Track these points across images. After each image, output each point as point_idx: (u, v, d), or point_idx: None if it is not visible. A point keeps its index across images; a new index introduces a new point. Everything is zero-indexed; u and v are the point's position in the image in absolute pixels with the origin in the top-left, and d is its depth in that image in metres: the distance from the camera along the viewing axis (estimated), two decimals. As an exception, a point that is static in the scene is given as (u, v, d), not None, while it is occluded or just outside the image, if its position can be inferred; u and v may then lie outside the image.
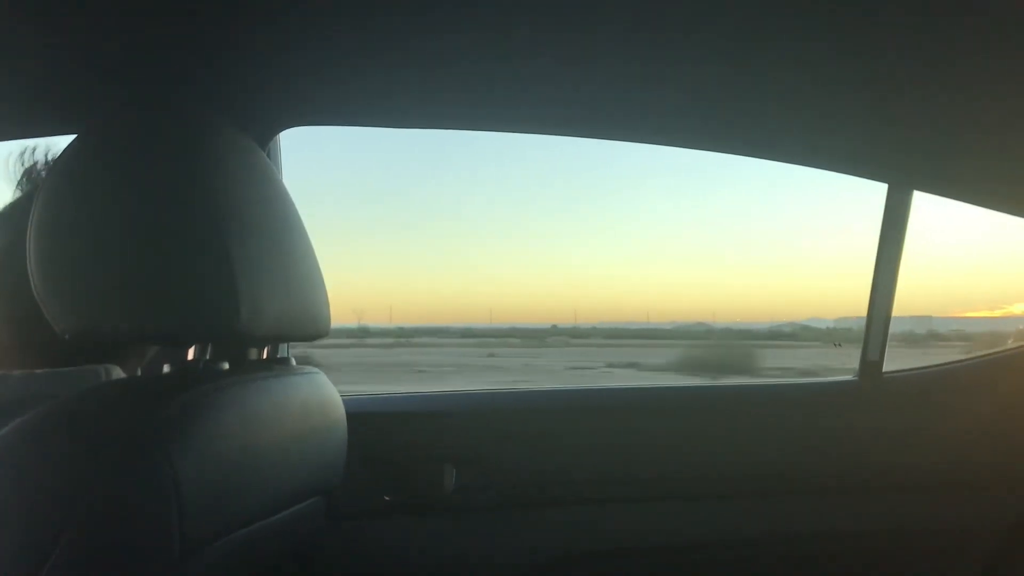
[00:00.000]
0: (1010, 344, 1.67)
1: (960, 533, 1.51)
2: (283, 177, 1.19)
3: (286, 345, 1.27)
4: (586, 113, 1.35)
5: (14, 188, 0.98)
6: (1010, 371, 1.58)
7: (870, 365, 1.56)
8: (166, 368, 0.87)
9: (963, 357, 1.65)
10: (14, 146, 1.00)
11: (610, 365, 4.54)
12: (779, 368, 3.48)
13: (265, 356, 1.04)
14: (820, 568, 1.49)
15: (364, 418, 1.31)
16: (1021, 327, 1.80)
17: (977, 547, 1.51)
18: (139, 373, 1.00)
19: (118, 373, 0.93)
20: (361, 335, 4.83)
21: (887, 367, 1.56)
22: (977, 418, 1.53)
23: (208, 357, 0.85)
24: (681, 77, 1.21)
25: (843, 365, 1.67)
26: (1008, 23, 1.01)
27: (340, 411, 1.05)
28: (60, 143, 0.84)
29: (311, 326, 0.92)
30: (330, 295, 0.97)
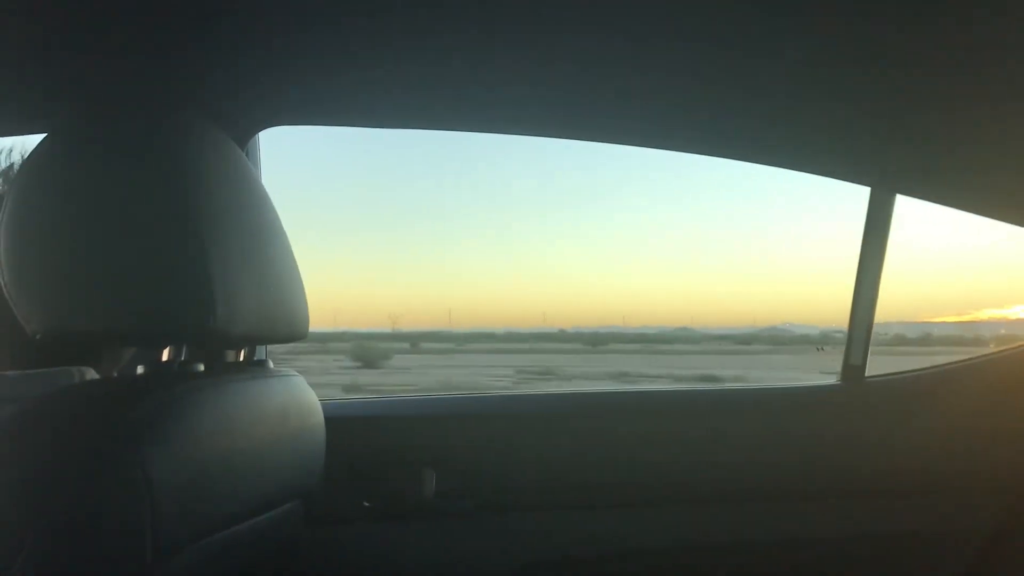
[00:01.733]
0: (991, 349, 1.67)
1: (942, 537, 1.51)
2: (263, 177, 1.18)
3: (264, 348, 1.26)
4: (567, 114, 1.35)
5: None
6: (992, 375, 1.59)
7: (852, 369, 1.56)
8: (140, 370, 0.86)
9: (945, 362, 1.65)
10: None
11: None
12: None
13: (242, 359, 1.03)
14: (803, 573, 1.49)
15: (343, 422, 1.30)
16: (1002, 332, 1.81)
17: (959, 550, 1.51)
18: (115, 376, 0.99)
19: (92, 375, 0.92)
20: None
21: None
22: (960, 422, 1.53)
23: (183, 359, 0.83)
24: (666, 80, 1.21)
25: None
26: (990, 30, 1.01)
27: (318, 415, 1.03)
28: (35, 143, 0.83)
29: (288, 328, 0.91)
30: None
